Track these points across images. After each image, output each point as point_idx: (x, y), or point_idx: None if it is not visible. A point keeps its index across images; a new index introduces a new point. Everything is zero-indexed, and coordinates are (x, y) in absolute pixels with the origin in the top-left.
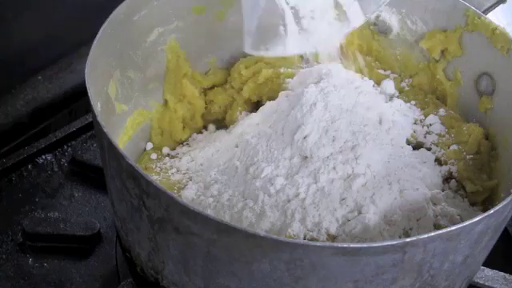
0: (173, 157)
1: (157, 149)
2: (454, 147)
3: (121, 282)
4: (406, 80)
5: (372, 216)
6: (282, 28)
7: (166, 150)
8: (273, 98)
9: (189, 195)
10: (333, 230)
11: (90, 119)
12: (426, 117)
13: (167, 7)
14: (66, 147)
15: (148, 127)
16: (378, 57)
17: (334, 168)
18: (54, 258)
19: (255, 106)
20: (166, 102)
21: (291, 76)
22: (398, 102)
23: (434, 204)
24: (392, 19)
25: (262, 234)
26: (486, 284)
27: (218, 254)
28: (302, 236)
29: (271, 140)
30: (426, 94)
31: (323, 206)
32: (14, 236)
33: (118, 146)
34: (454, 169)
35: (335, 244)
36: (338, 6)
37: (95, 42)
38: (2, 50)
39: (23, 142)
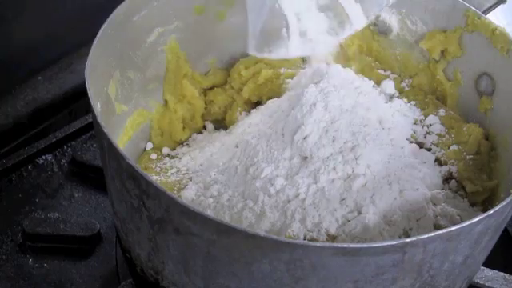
0: (173, 157)
1: (157, 149)
2: (453, 147)
3: (121, 282)
4: (406, 80)
5: (372, 216)
6: (284, 30)
7: (165, 150)
8: (273, 98)
9: (189, 196)
10: (333, 231)
11: (90, 119)
12: (425, 117)
13: (167, 7)
14: (66, 147)
15: (148, 127)
16: (378, 57)
17: (334, 168)
18: (54, 258)
19: (255, 106)
20: (165, 103)
21: (291, 76)
22: (398, 103)
23: (434, 204)
24: (392, 19)
25: (262, 234)
26: (486, 284)
27: (218, 255)
28: (301, 236)
29: (271, 140)
30: (425, 95)
31: (323, 207)
32: (13, 236)
33: (117, 147)
34: (453, 169)
35: (335, 244)
36: (339, 8)
37: (95, 42)
38: (2, 50)
39: (23, 143)
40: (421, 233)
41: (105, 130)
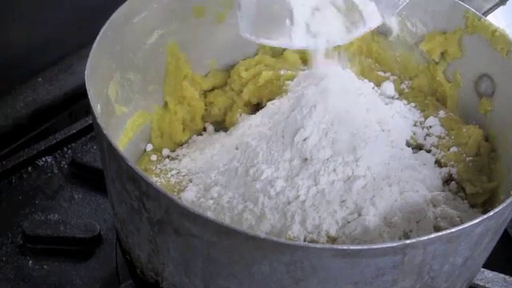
0: (173, 158)
1: (157, 150)
2: (453, 149)
3: (121, 283)
4: (406, 82)
5: (372, 218)
6: (288, 19)
7: (165, 151)
8: (273, 100)
9: (189, 197)
10: (333, 232)
11: (90, 121)
12: (425, 119)
13: (167, 9)
14: (66, 149)
15: (148, 129)
16: (378, 59)
17: (334, 170)
18: (54, 260)
19: (255, 108)
20: (165, 104)
21: (291, 78)
22: (398, 104)
23: (434, 206)
24: (392, 21)
25: (262, 236)
26: (486, 286)
27: (218, 256)
28: (302, 238)
29: (271, 142)
30: (425, 96)
31: (323, 208)
32: (14, 238)
33: (117, 148)
34: (453, 171)
35: (335, 246)
36: (353, 5)
37: (95, 44)
38: (1, 51)
39: (23, 144)
40: (421, 234)
41: (105, 132)
